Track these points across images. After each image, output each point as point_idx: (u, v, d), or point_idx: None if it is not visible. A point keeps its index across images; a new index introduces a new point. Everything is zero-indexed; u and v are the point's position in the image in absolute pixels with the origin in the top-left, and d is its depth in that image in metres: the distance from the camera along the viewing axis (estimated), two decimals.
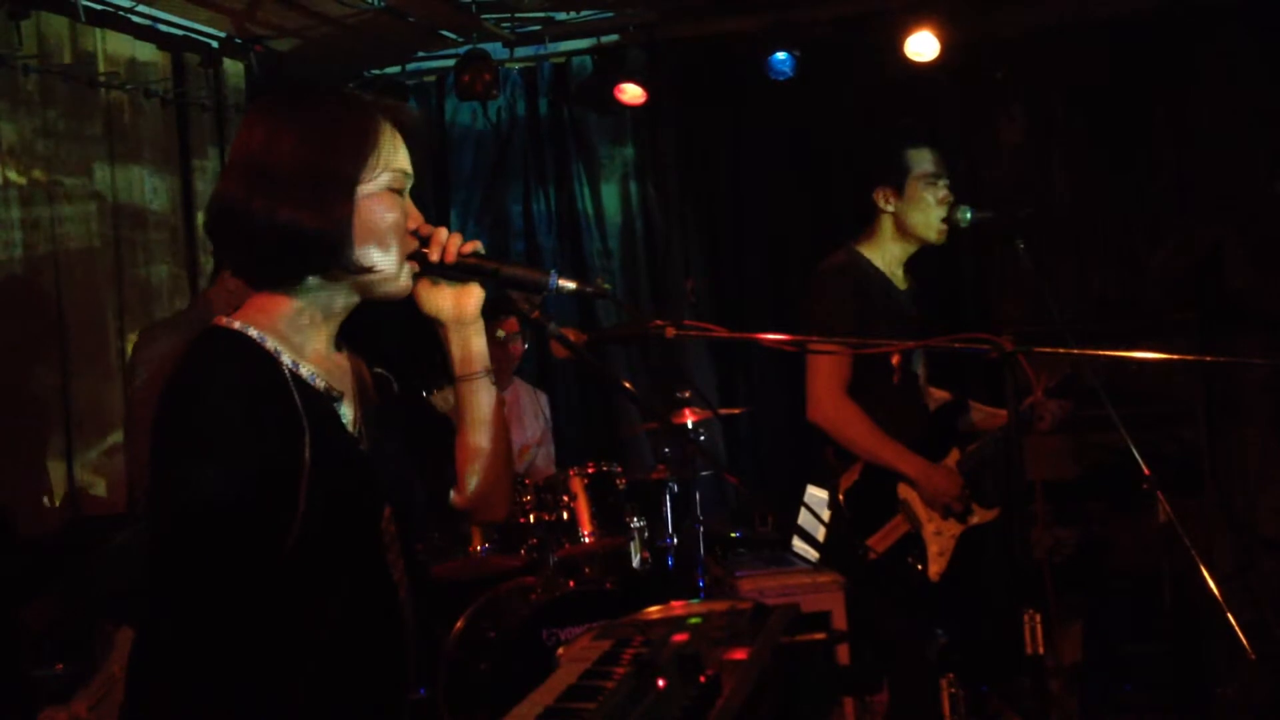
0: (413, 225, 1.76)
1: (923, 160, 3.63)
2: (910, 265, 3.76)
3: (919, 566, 3.48)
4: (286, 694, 1.60)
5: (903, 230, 3.65)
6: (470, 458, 1.92)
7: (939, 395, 3.84)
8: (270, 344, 1.68)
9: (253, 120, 1.74)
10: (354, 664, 1.68)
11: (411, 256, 1.76)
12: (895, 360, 3.58)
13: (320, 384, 1.72)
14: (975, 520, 3.53)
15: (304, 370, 1.70)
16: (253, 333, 1.68)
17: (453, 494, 1.95)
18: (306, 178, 1.66)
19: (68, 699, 3.28)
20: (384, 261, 1.72)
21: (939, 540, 3.50)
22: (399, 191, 1.74)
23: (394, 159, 1.73)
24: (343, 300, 1.75)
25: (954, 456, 3.57)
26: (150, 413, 1.62)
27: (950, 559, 3.49)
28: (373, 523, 1.75)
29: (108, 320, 4.67)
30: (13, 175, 4.30)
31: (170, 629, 1.59)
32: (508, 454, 1.97)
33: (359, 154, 1.69)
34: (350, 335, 1.83)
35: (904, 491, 3.53)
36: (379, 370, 1.91)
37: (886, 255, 3.68)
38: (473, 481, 1.92)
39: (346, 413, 1.76)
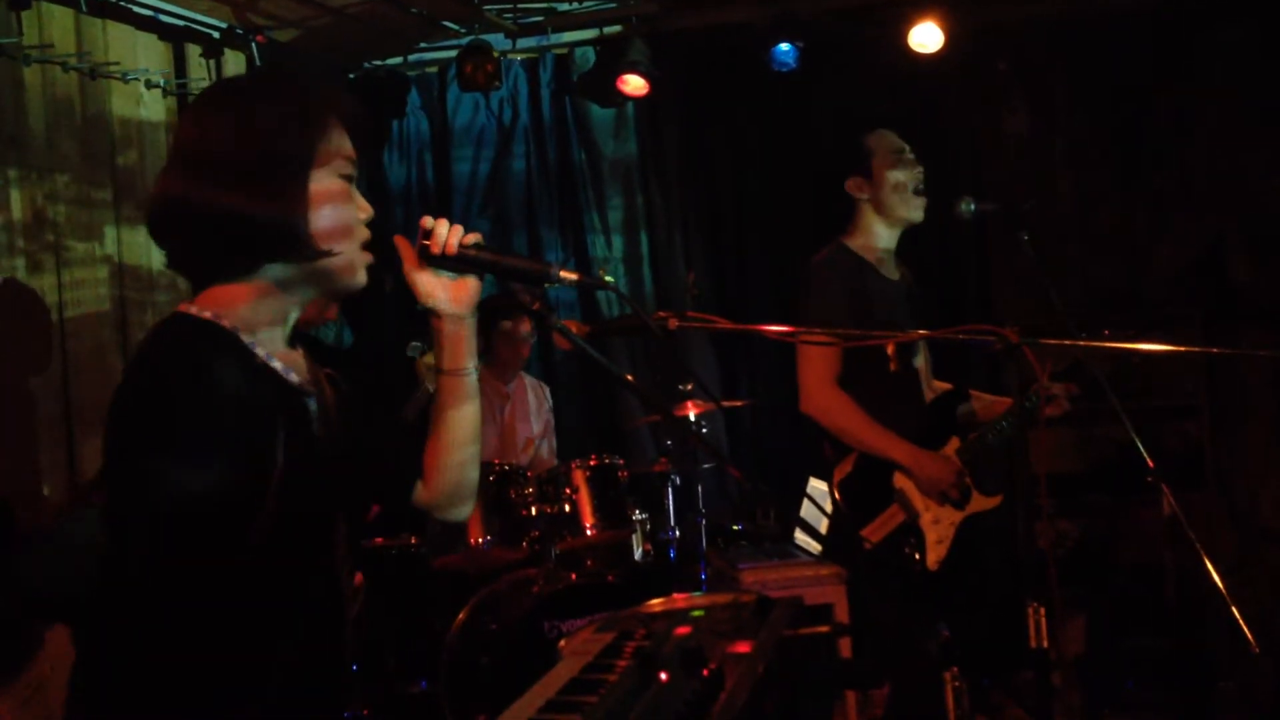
0: (363, 215, 1.72)
1: (882, 140, 3.64)
2: (902, 256, 3.74)
3: (916, 556, 3.47)
4: (235, 690, 1.56)
5: (882, 214, 3.63)
6: (442, 453, 1.88)
7: (940, 387, 3.82)
8: (245, 337, 1.62)
9: (189, 116, 1.69)
10: (299, 662, 1.63)
11: (415, 248, 1.75)
12: (890, 349, 3.56)
13: (294, 378, 1.66)
14: (973, 508, 3.51)
15: (277, 364, 1.65)
16: (225, 323, 1.62)
17: (419, 488, 1.90)
18: (253, 163, 1.60)
19: None
20: (340, 246, 1.66)
21: (937, 529, 3.48)
22: (348, 178, 1.69)
23: (341, 145, 1.68)
24: (298, 291, 1.69)
25: (953, 445, 3.55)
26: None
27: (950, 547, 3.48)
28: (329, 523, 1.72)
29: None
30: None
31: (124, 625, 1.55)
32: (477, 452, 1.92)
33: (306, 138, 1.64)
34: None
35: (900, 481, 3.51)
36: (328, 370, 1.85)
37: (872, 245, 3.66)
38: (441, 477, 1.89)
39: (315, 410, 1.71)
